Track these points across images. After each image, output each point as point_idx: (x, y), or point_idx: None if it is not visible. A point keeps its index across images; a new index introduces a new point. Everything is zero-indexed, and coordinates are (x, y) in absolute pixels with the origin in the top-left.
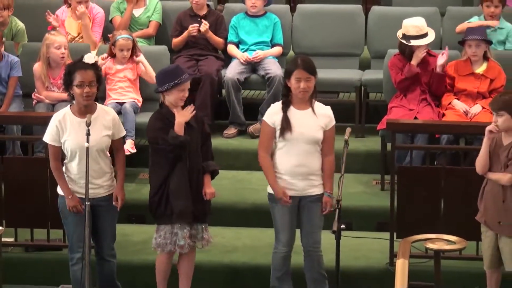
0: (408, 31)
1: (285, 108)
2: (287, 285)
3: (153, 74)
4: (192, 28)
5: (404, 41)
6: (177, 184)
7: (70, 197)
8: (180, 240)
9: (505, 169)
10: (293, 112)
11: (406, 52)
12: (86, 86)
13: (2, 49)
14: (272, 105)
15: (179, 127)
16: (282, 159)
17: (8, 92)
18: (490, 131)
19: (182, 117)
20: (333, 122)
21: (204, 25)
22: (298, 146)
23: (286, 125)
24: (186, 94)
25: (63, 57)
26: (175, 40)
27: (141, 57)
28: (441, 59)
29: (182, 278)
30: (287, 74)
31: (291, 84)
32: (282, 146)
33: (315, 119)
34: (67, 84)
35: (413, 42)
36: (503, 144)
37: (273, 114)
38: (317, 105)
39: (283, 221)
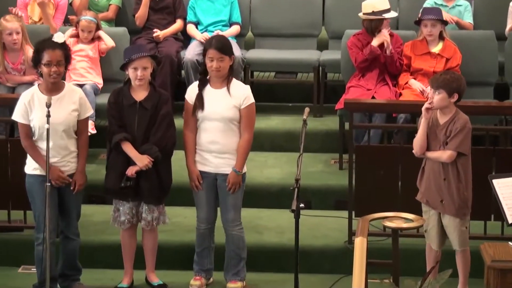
0: (376, 7)
1: (201, 87)
2: (207, 261)
3: (111, 43)
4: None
5: (375, 17)
6: (113, 161)
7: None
8: (121, 216)
9: (445, 147)
10: (208, 90)
11: (371, 30)
12: (53, 65)
13: None
14: (193, 83)
15: (134, 159)
16: (199, 135)
17: None
18: (427, 109)
19: (139, 162)
20: (250, 101)
21: (157, 35)
22: (211, 124)
23: (198, 103)
24: (141, 73)
25: (15, 43)
26: (138, 15)
27: (101, 32)
28: (375, 41)
29: (146, 255)
30: (204, 53)
31: (206, 63)
32: (199, 123)
33: (228, 98)
34: (36, 62)
35: (386, 15)
36: (440, 123)
37: (191, 92)
38: (234, 85)
39: (199, 198)
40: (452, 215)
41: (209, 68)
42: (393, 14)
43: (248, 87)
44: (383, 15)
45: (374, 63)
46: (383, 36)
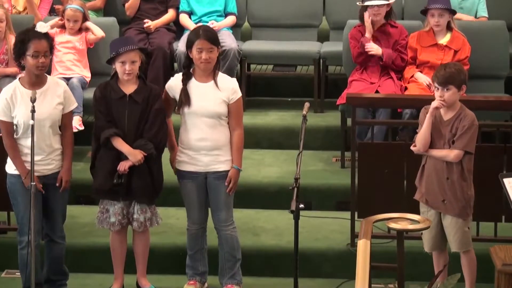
0: None
1: (185, 81)
2: (201, 264)
3: (100, 34)
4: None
5: (360, 3)
6: (102, 159)
7: (24, 178)
8: (111, 217)
9: (451, 145)
10: (194, 84)
11: (359, 16)
12: (41, 56)
13: None
14: (175, 75)
15: (127, 154)
16: (184, 133)
17: None
18: (436, 107)
19: (132, 157)
20: (238, 95)
21: (148, 26)
22: (199, 120)
23: (184, 98)
24: (129, 67)
25: None
26: (128, 4)
27: (88, 23)
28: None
29: (137, 259)
30: (189, 44)
31: (192, 55)
32: (184, 120)
33: (217, 92)
34: (19, 54)
35: (367, 2)
36: (444, 120)
37: (173, 85)
38: (221, 78)
39: (190, 198)
40: (454, 216)
41: (197, 60)
42: (373, 2)
43: (234, 79)
44: (365, 2)
45: (377, 56)
46: (368, 24)
